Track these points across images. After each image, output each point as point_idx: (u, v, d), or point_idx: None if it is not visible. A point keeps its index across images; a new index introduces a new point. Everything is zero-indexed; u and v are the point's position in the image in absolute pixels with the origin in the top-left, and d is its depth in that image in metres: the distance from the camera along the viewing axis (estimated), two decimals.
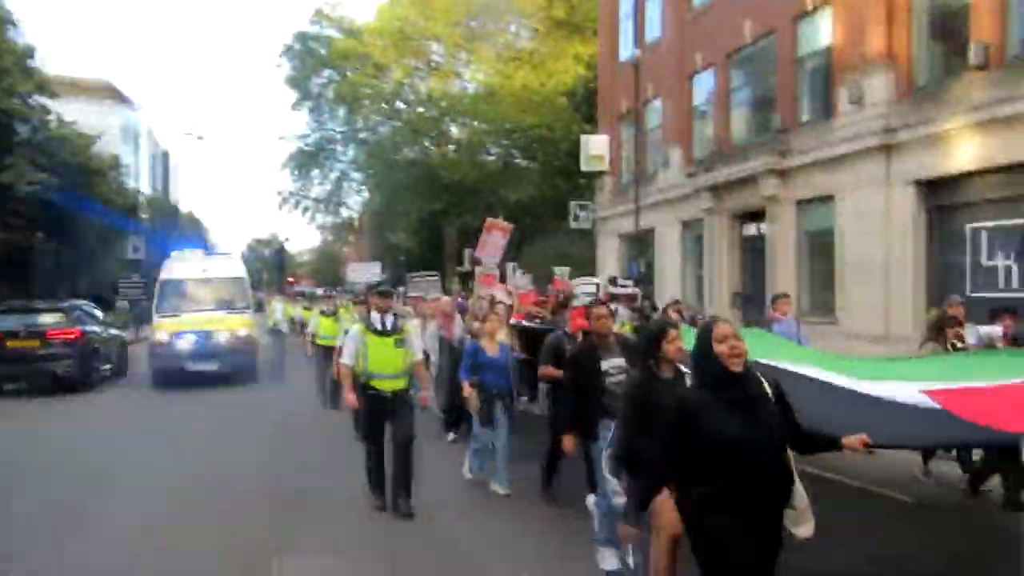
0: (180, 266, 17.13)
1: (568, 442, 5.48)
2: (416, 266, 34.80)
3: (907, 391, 4.11)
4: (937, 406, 3.89)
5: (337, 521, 6.44)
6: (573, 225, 25.26)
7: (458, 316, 10.47)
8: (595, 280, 8.10)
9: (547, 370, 6.59)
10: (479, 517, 6.59)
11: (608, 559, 5.07)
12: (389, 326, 6.53)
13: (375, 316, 6.60)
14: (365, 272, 23.71)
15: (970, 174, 11.72)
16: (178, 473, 8.14)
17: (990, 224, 11.59)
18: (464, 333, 9.71)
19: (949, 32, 12.36)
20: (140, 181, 55.79)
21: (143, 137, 62.93)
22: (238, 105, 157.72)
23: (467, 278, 29.13)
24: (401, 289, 18.88)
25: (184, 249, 19.17)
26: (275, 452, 9.27)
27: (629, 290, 11.09)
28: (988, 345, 7.27)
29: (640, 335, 3.72)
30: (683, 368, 4.20)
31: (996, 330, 7.59)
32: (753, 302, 16.36)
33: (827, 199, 14.50)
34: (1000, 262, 11.37)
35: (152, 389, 15.36)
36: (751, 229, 17.29)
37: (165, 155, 74.03)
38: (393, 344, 6.47)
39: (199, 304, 16.44)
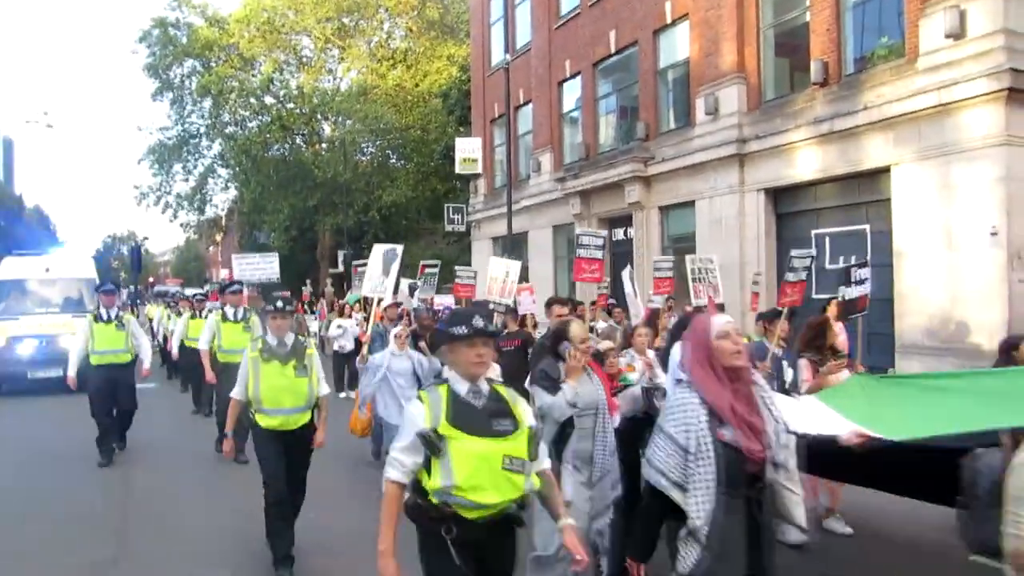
0: (21, 264, 15.90)
1: None
2: (290, 268, 33.61)
3: None
4: None
5: None
6: (448, 228, 25.21)
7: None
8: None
9: None
10: None
11: None
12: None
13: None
14: (258, 268, 14.78)
15: (813, 183, 12.56)
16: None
17: (832, 230, 12.45)
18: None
19: (793, 49, 13.17)
20: None
21: None
22: (92, 92, 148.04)
23: (342, 280, 28.42)
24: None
25: (27, 248, 17.82)
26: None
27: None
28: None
29: None
30: None
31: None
32: (620, 306, 16.80)
33: (688, 204, 15.14)
34: (841, 265, 12.18)
35: None
36: (619, 234, 17.81)
37: (8, 143, 68.58)
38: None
39: (43, 306, 15.32)
